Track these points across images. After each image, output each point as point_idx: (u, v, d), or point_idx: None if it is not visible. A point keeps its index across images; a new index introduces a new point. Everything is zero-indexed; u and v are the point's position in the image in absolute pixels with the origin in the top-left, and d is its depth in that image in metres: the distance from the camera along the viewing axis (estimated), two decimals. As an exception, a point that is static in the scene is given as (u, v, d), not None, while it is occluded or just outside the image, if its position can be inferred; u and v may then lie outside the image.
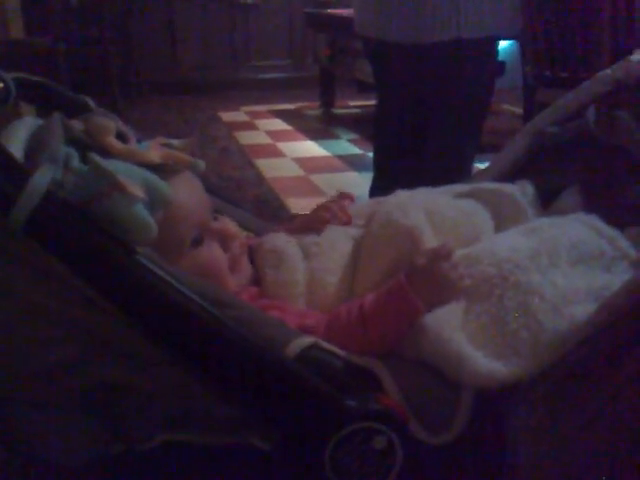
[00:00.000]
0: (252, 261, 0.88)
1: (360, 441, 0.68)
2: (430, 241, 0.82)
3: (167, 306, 0.62)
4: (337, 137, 4.13)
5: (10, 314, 0.63)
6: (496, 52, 1.55)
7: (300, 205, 2.82)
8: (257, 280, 0.86)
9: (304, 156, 3.69)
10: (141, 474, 0.73)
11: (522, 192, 0.96)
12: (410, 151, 1.52)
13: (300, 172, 3.38)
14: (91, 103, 0.94)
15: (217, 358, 0.65)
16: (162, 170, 0.79)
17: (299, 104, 5.14)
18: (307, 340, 0.70)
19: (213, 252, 0.82)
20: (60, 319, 0.64)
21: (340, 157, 3.64)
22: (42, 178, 0.59)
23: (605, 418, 0.65)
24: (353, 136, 4.10)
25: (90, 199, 0.61)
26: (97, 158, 0.61)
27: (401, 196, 0.96)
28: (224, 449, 0.71)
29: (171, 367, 0.66)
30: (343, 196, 1.04)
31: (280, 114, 4.77)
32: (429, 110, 1.50)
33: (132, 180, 0.62)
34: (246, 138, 4.07)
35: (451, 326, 0.71)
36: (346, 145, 3.92)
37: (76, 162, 0.62)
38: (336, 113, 4.82)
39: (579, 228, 0.82)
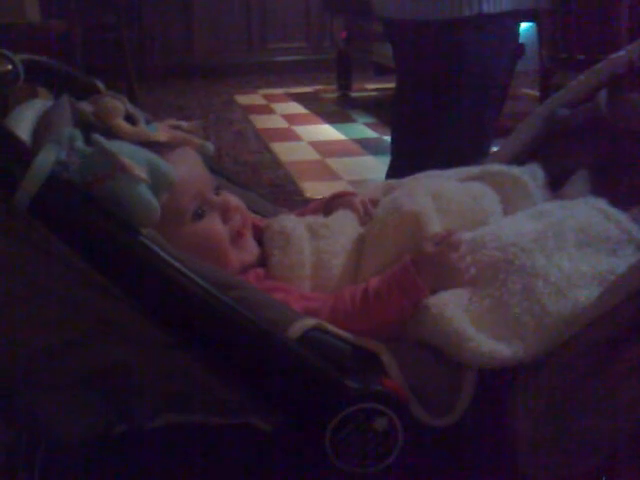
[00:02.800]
0: (261, 243, 0.88)
1: (361, 422, 0.68)
2: (436, 227, 0.82)
3: (169, 287, 0.62)
4: (354, 121, 4.11)
5: (13, 294, 0.64)
6: (517, 31, 1.51)
7: (316, 189, 2.82)
8: (264, 261, 0.86)
9: (320, 140, 3.68)
10: (143, 454, 0.74)
11: (531, 175, 0.96)
12: (427, 132, 1.50)
13: (316, 156, 3.38)
14: (100, 85, 0.94)
15: (218, 339, 0.65)
16: (164, 146, 0.80)
17: (316, 87, 5.12)
18: (310, 322, 0.70)
19: (214, 225, 0.82)
20: (63, 300, 0.65)
21: (356, 141, 3.62)
22: (46, 159, 0.59)
23: (607, 403, 0.64)
24: (370, 120, 4.09)
25: (94, 180, 0.61)
26: (101, 139, 0.62)
27: (409, 181, 0.96)
28: (225, 430, 0.72)
29: (173, 349, 0.67)
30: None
31: (297, 97, 4.76)
32: (447, 91, 1.48)
33: (136, 162, 0.62)
34: (262, 122, 4.07)
35: (454, 305, 0.71)
36: (362, 129, 3.90)
37: (80, 143, 0.63)
38: (353, 96, 4.80)
39: (587, 211, 0.81)
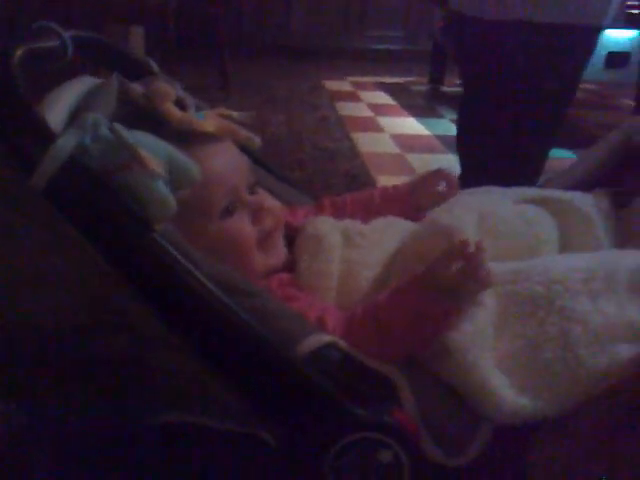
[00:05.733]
0: (293, 245, 0.85)
1: (364, 451, 0.65)
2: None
3: (174, 287, 0.60)
4: (440, 116, 4.00)
5: (21, 276, 0.64)
6: (576, 45, 1.34)
7: (390, 183, 2.76)
8: (293, 265, 0.83)
9: (403, 133, 3.60)
10: (143, 451, 0.72)
11: (596, 204, 0.88)
12: (493, 138, 1.42)
13: (396, 149, 3.31)
14: (155, 67, 0.93)
15: (222, 347, 0.63)
16: (203, 136, 0.77)
17: (407, 79, 5.02)
18: (325, 338, 0.67)
19: (242, 225, 0.79)
20: (72, 286, 0.64)
21: (440, 137, 3.52)
22: (66, 143, 0.58)
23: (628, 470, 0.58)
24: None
25: (113, 169, 0.60)
26: (120, 129, 0.60)
27: (462, 195, 0.90)
28: (231, 437, 0.70)
29: (180, 349, 0.64)
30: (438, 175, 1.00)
31: (386, 87, 4.68)
32: (521, 99, 1.39)
33: (156, 156, 0.60)
34: (347, 109, 4.02)
35: (478, 349, 0.66)
36: (448, 125, 3.79)
37: (104, 130, 0.61)
38: (443, 91, 4.67)
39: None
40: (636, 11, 2.24)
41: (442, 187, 0.98)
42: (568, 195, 0.88)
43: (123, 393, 0.67)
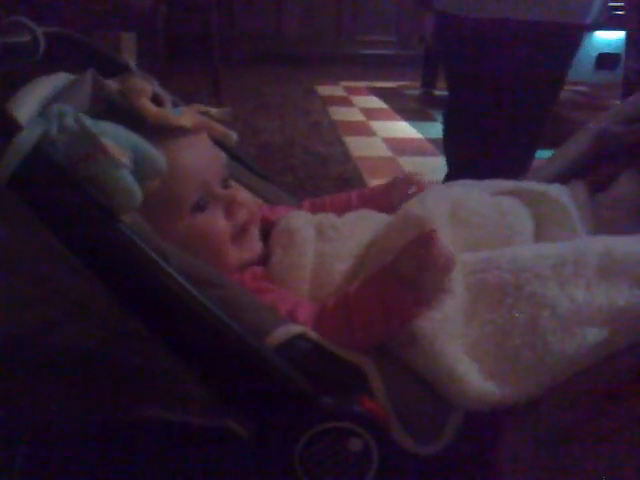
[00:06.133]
0: (268, 239, 0.85)
1: (333, 440, 0.64)
2: (445, 234, 0.75)
3: (140, 278, 0.60)
4: (433, 119, 4.01)
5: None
6: (561, 43, 1.33)
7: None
8: (267, 259, 0.83)
9: (395, 137, 3.61)
10: (115, 446, 0.72)
11: (572, 195, 0.88)
12: (482, 137, 1.42)
13: (388, 153, 3.31)
14: (132, 65, 0.93)
15: (191, 339, 0.63)
16: (177, 130, 0.77)
17: (400, 83, 5.04)
18: (295, 329, 0.67)
19: (214, 219, 0.78)
20: (40, 279, 0.63)
21: (432, 141, 3.52)
22: (29, 135, 0.58)
23: (602, 458, 0.58)
24: (450, 120, 3.97)
25: (77, 160, 0.60)
26: (84, 118, 0.60)
27: (437, 187, 0.90)
28: (201, 431, 0.69)
29: (148, 341, 0.64)
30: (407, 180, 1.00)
31: (378, 92, 4.69)
32: (509, 94, 1.39)
33: (121, 145, 0.60)
34: (339, 114, 4.03)
35: (446, 336, 0.65)
36: (440, 128, 3.80)
37: (70, 120, 0.61)
38: (436, 95, 4.69)
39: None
40: (622, 12, 2.24)
41: (412, 191, 0.99)
42: (542, 186, 0.88)
43: (93, 389, 0.67)
